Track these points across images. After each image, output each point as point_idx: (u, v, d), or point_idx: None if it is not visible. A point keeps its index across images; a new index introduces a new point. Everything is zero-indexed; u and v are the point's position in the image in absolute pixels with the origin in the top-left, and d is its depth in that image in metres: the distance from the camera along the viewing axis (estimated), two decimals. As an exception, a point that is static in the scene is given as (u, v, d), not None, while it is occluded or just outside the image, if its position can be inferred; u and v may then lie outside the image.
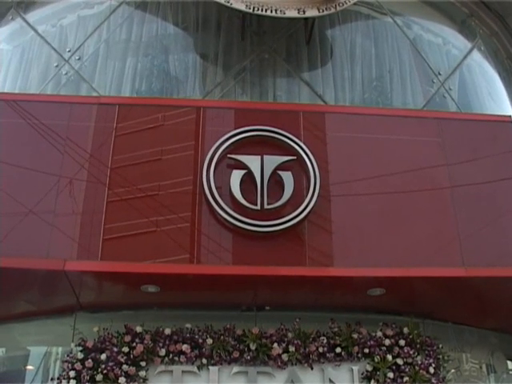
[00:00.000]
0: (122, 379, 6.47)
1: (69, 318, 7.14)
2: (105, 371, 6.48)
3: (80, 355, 6.60)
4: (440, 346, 7.08)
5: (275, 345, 6.71)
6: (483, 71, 10.38)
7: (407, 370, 6.79)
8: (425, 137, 7.42)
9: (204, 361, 6.68)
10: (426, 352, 6.98)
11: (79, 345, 6.69)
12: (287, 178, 6.76)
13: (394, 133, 7.39)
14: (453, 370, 7.38)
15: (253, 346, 6.67)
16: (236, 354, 6.68)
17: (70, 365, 6.61)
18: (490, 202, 7.15)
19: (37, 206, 6.57)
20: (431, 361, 6.92)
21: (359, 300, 7.00)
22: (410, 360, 6.85)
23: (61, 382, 6.66)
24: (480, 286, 6.91)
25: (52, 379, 6.97)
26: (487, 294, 7.12)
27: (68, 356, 6.68)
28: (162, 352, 6.64)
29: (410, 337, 6.97)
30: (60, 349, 7.37)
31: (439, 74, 9.45)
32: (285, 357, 6.70)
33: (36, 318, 7.43)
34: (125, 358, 6.57)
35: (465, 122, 7.77)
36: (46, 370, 7.67)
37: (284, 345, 6.74)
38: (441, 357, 7.04)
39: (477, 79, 10.05)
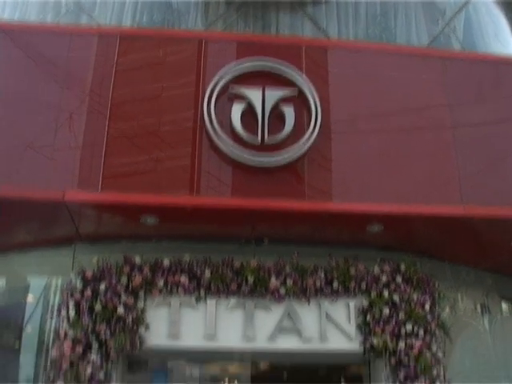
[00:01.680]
0: (120, 309, 6.52)
1: (68, 248, 7.15)
2: (104, 301, 6.54)
3: (79, 285, 6.65)
4: (436, 283, 7.12)
5: (273, 278, 6.76)
6: (490, 12, 10.23)
7: (403, 306, 6.86)
8: (428, 76, 7.33)
9: (202, 293, 6.74)
10: (423, 289, 7.03)
11: (78, 275, 6.71)
12: (288, 112, 6.70)
13: (398, 70, 7.30)
14: (447, 310, 7.40)
15: (251, 279, 6.72)
16: (234, 287, 6.74)
17: (69, 294, 6.66)
18: (491, 144, 7.12)
19: (37, 137, 6.53)
20: (427, 298, 6.98)
21: (357, 236, 7.04)
22: (406, 296, 6.92)
23: (60, 311, 6.71)
24: (478, 226, 6.92)
25: (52, 309, 7.00)
26: (485, 234, 7.14)
27: (67, 286, 6.71)
28: (161, 283, 6.69)
29: (407, 274, 7.02)
30: (60, 280, 7.40)
31: (445, 13, 9.31)
32: (282, 290, 6.76)
33: (36, 249, 7.47)
34: (123, 288, 6.63)
35: (469, 62, 7.67)
36: (46, 302, 7.75)
37: (282, 278, 6.78)
38: (437, 294, 7.09)
39: (483, 20, 9.90)
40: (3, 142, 6.53)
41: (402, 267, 7.04)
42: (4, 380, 8.39)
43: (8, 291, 8.38)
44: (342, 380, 8.42)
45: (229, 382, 8.85)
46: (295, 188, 6.62)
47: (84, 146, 6.59)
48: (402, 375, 6.69)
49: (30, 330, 7.97)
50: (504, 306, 8.43)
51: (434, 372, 6.73)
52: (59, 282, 7.43)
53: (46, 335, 7.62)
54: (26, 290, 8.14)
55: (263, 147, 6.55)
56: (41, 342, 7.80)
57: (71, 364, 6.41)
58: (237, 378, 8.46)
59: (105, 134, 6.64)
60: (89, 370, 6.36)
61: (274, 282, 6.73)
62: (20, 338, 8.10)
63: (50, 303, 7.49)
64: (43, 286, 7.86)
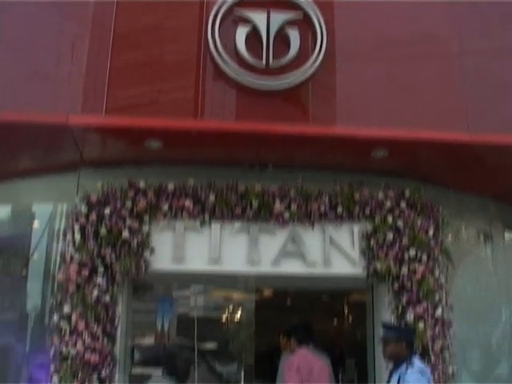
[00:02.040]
0: (125, 233, 6.56)
1: (73, 174, 7.13)
2: (109, 225, 6.58)
3: (84, 210, 6.67)
4: (440, 209, 7.13)
5: (277, 202, 6.76)
6: None
7: (407, 231, 6.87)
8: (436, 3, 7.18)
9: (206, 217, 6.77)
10: (426, 215, 7.03)
11: (83, 200, 6.73)
12: (293, 35, 6.60)
13: (405, -7, 7.16)
14: (450, 237, 7.42)
15: (255, 203, 6.73)
16: (238, 211, 6.76)
17: (74, 219, 6.69)
18: (498, 72, 7.02)
19: (41, 65, 6.50)
20: (431, 223, 6.99)
21: (362, 161, 7.02)
22: (409, 222, 6.91)
23: (65, 236, 6.76)
24: (483, 153, 6.91)
25: (57, 232, 7.05)
26: (490, 162, 7.13)
27: (72, 210, 6.74)
28: (165, 207, 6.71)
29: (411, 199, 7.01)
30: (65, 206, 7.43)
31: None
32: (286, 215, 6.78)
33: (40, 175, 7.48)
34: (128, 212, 6.65)
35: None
36: (52, 228, 7.82)
37: (286, 203, 6.80)
38: (440, 220, 7.09)
39: None
40: (7, 68, 6.46)
41: (407, 193, 7.01)
42: (12, 308, 8.53)
43: (14, 219, 8.44)
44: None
45: (233, 309, 8.99)
46: (299, 112, 6.61)
47: (87, 75, 6.54)
48: (404, 300, 6.74)
49: (37, 257, 8.06)
50: (507, 234, 8.47)
51: (437, 297, 6.79)
52: (64, 208, 7.46)
53: (53, 262, 7.71)
54: (31, 217, 8.21)
55: (268, 71, 6.48)
56: (47, 268, 7.89)
57: (77, 287, 6.49)
58: (241, 305, 8.58)
59: (108, 63, 6.56)
60: (95, 293, 6.43)
61: (278, 206, 6.74)
62: (27, 265, 8.19)
63: (56, 230, 7.54)
64: (48, 213, 7.93)
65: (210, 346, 9.29)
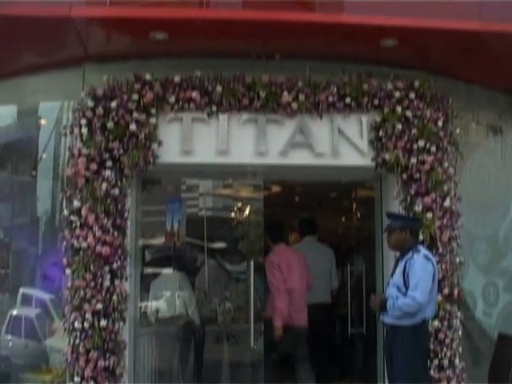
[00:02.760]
0: (132, 126, 6.53)
1: (77, 70, 7.06)
2: (115, 118, 6.54)
3: (90, 103, 6.62)
4: (450, 100, 7.04)
5: (285, 93, 6.68)
6: None
7: (416, 122, 6.82)
8: None
9: (214, 108, 6.71)
10: (436, 106, 6.95)
11: (89, 94, 6.67)
12: None
13: None
14: (458, 131, 7.35)
15: (262, 94, 6.65)
16: (245, 102, 6.68)
17: (80, 113, 6.66)
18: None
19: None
20: (440, 115, 6.92)
21: (371, 51, 6.87)
22: (419, 113, 6.84)
23: (72, 130, 6.75)
24: (494, 42, 6.77)
25: (64, 127, 7.03)
26: (501, 52, 6.99)
27: (78, 105, 6.70)
28: (172, 99, 6.65)
29: (421, 90, 6.91)
30: (71, 104, 7.35)
31: None
32: (294, 105, 6.71)
33: (44, 72, 7.38)
34: (135, 105, 6.60)
35: None
36: (59, 127, 7.81)
37: (294, 93, 6.72)
38: (450, 112, 7.02)
39: None
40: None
41: (416, 84, 6.90)
42: (24, 212, 8.62)
43: (20, 120, 8.43)
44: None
45: (242, 208, 9.06)
46: (307, 0, 6.44)
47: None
48: (413, 191, 6.76)
49: (46, 156, 8.08)
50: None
51: (445, 188, 6.80)
52: (71, 105, 7.39)
53: (61, 161, 7.72)
54: (37, 116, 8.19)
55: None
56: (56, 168, 7.92)
57: (86, 181, 6.51)
58: (249, 203, 8.63)
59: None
60: (104, 187, 6.46)
61: (286, 96, 6.66)
62: (36, 166, 8.23)
63: (63, 127, 7.49)
64: (55, 110, 7.92)
65: (220, 245, 9.41)
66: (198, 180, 8.97)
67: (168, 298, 8.34)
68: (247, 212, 8.92)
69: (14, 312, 8.10)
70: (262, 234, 7.62)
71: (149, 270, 8.65)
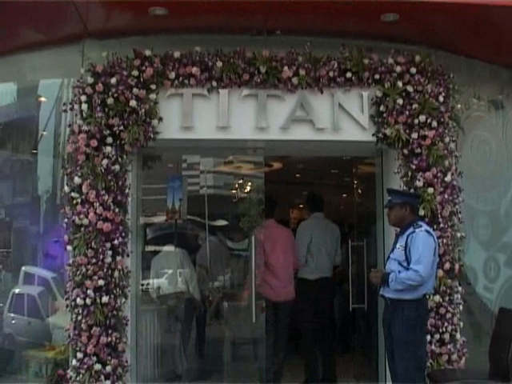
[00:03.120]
0: (132, 102, 6.52)
1: (77, 46, 7.02)
2: (115, 95, 6.52)
3: (90, 80, 6.60)
4: (451, 75, 7.01)
5: (285, 68, 6.65)
6: None
7: (417, 97, 6.79)
8: None
9: (214, 83, 6.68)
10: (437, 81, 6.92)
11: (89, 70, 6.65)
12: None
13: None
14: (459, 106, 7.32)
15: (263, 69, 6.61)
16: (246, 77, 6.65)
17: (80, 90, 6.64)
18: None
19: None
20: (441, 90, 6.89)
21: (371, 26, 6.80)
22: (420, 88, 6.81)
23: (73, 106, 6.73)
24: (495, 16, 6.69)
25: (64, 104, 7.00)
26: (502, 26, 6.91)
27: (78, 81, 6.67)
28: (172, 75, 6.62)
29: (422, 65, 6.87)
30: (71, 81, 7.32)
31: None
32: (295, 80, 6.68)
33: (44, 49, 7.34)
34: (135, 81, 6.58)
35: None
36: (59, 104, 7.80)
37: (294, 68, 6.69)
38: (451, 86, 6.99)
39: None
40: None
41: (417, 59, 6.86)
42: (24, 191, 8.62)
43: (20, 97, 8.42)
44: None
45: (243, 186, 9.04)
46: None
47: None
48: (413, 166, 6.74)
49: (46, 134, 8.08)
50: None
51: (446, 163, 6.78)
52: (71, 82, 7.36)
53: (62, 139, 7.71)
54: (37, 94, 8.17)
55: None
56: (56, 144, 7.92)
57: (87, 157, 6.52)
58: (250, 180, 8.61)
59: None
60: (104, 163, 6.45)
61: (286, 71, 6.63)
62: (36, 145, 8.23)
63: (63, 104, 7.45)
64: (55, 88, 7.91)
65: (221, 222, 9.41)
66: (198, 157, 8.93)
67: (169, 276, 8.38)
68: (248, 189, 8.90)
69: (17, 290, 8.15)
70: (263, 211, 7.61)
71: (150, 248, 8.65)
